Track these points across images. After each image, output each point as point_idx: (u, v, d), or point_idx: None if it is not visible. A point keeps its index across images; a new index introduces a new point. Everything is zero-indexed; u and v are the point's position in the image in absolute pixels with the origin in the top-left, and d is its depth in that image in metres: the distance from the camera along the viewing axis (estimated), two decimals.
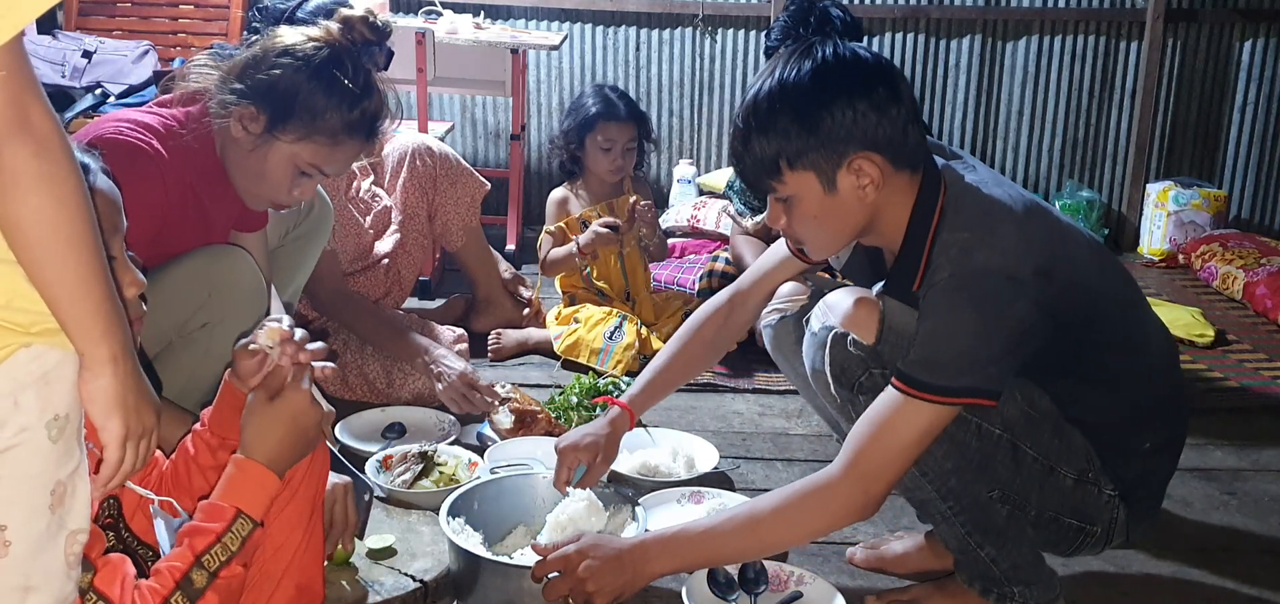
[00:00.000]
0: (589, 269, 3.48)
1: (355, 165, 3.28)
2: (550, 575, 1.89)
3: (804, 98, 1.78)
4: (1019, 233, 1.79)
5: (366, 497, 2.13)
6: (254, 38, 2.32)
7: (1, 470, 1.21)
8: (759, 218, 3.45)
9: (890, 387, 1.82)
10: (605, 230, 3.36)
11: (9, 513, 1.21)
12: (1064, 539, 2.00)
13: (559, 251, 3.46)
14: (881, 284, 2.03)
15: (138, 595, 1.40)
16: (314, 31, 2.25)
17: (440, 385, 2.86)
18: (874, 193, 1.82)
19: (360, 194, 3.31)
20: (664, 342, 3.34)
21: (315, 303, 3.04)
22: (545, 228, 3.54)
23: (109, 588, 1.38)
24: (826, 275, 2.16)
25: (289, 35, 2.25)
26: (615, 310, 3.37)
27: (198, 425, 1.71)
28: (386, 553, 2.16)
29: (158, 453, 1.75)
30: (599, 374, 3.08)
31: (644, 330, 3.34)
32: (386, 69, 2.31)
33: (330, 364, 1.71)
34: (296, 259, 2.76)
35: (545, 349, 3.39)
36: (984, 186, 1.86)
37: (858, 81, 1.79)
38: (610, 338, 3.25)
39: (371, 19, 2.31)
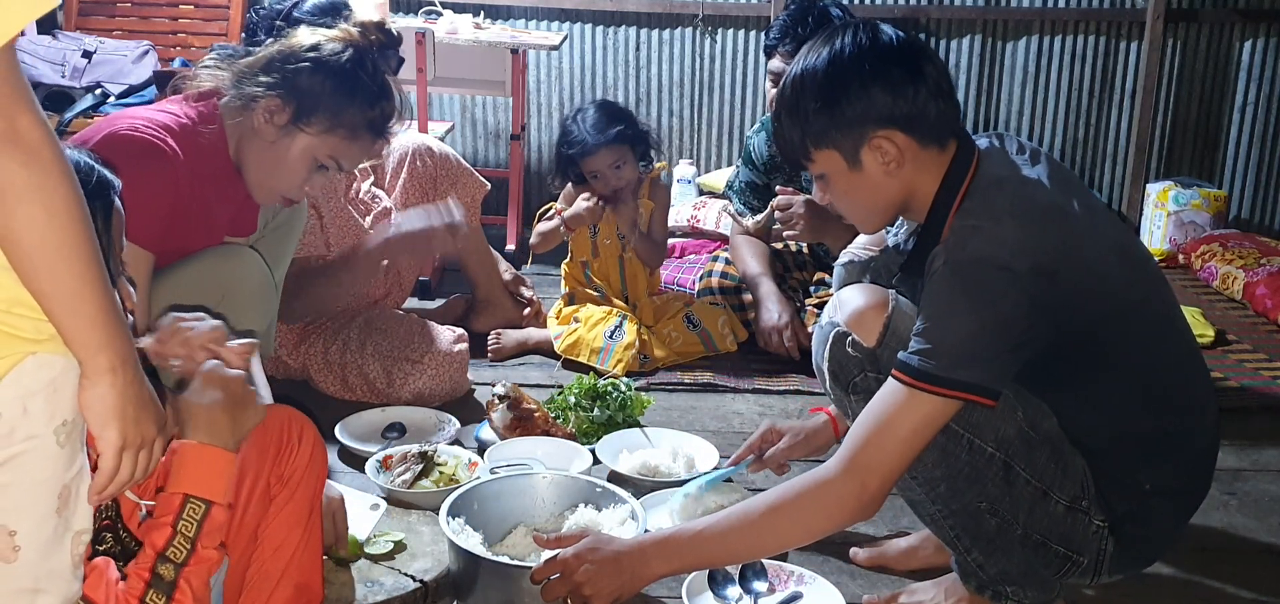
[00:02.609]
0: (588, 267, 3.47)
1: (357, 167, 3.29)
2: (550, 577, 1.89)
3: (822, 83, 1.85)
4: (1023, 228, 1.78)
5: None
6: (269, 40, 2.41)
7: (10, 476, 1.21)
8: (759, 217, 3.45)
9: (890, 378, 1.82)
10: (588, 203, 3.33)
11: (19, 518, 1.22)
12: (1050, 564, 1.97)
13: (544, 226, 3.44)
14: (898, 272, 2.04)
15: (118, 599, 1.40)
16: (336, 33, 2.35)
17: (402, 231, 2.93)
18: (899, 168, 1.86)
19: (360, 195, 3.32)
20: (663, 342, 3.35)
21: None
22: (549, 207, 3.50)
23: (94, 593, 1.38)
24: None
25: (311, 35, 2.34)
26: (615, 309, 3.37)
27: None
28: (399, 548, 2.17)
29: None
30: (599, 374, 3.08)
31: (644, 331, 3.33)
32: (397, 73, 2.44)
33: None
34: (278, 248, 2.77)
35: (545, 349, 3.39)
36: (1015, 178, 1.85)
37: (873, 63, 1.83)
38: (611, 337, 3.25)
39: (385, 25, 2.44)
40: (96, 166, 1.47)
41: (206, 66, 2.38)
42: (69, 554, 1.28)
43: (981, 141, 1.93)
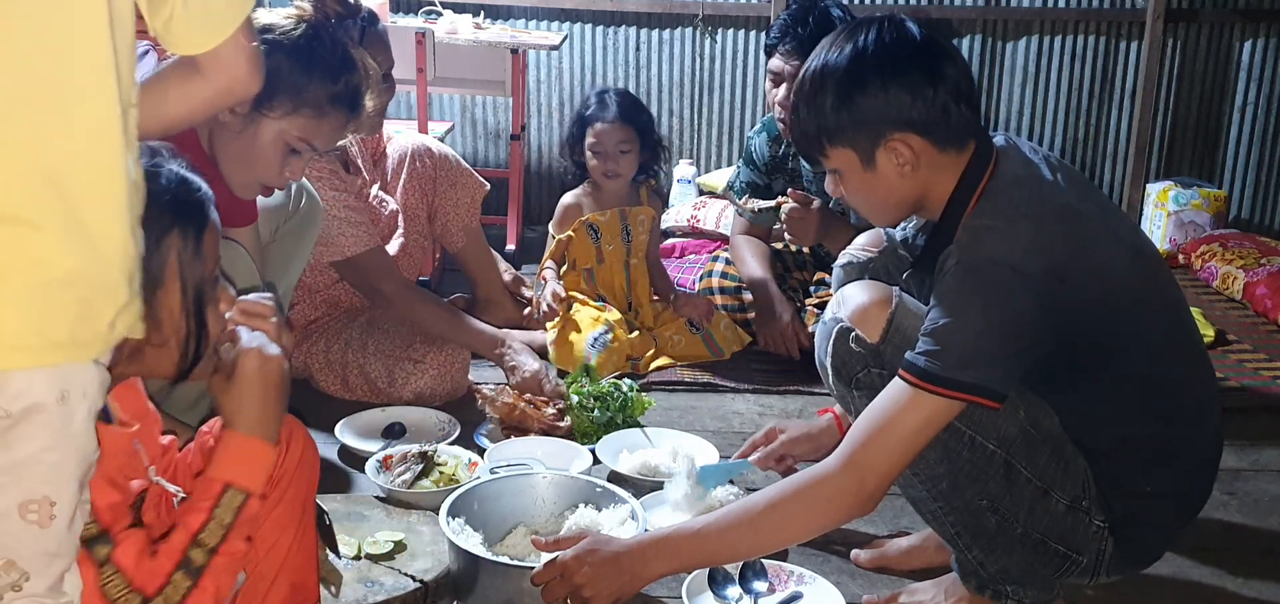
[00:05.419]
0: (593, 275, 3.44)
1: (364, 171, 3.28)
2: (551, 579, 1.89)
3: (840, 81, 1.84)
4: (1037, 229, 1.78)
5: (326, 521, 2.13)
6: None
7: (64, 451, 1.30)
8: (765, 205, 3.40)
9: (896, 377, 1.81)
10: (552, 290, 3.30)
11: (61, 489, 1.30)
12: (1049, 563, 1.97)
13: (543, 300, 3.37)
14: (909, 268, 2.03)
15: (146, 572, 1.44)
16: (289, 10, 2.31)
17: (513, 379, 2.93)
18: (914, 172, 1.85)
19: (370, 200, 3.31)
20: (666, 345, 3.34)
21: (378, 300, 3.05)
22: (552, 233, 3.48)
23: (126, 560, 1.43)
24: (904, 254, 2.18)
25: (265, 16, 2.29)
26: (603, 316, 3.29)
27: (208, 436, 1.70)
28: (399, 548, 2.17)
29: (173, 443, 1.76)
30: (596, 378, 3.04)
31: (635, 335, 3.31)
32: (362, 43, 2.39)
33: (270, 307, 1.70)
34: (290, 252, 2.77)
35: None
36: (1033, 177, 1.85)
37: (894, 65, 1.82)
38: (593, 345, 3.19)
39: None
40: (191, 178, 1.51)
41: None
42: (81, 525, 1.36)
43: (999, 140, 1.92)
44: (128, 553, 1.44)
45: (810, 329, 3.29)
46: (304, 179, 2.69)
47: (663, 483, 2.50)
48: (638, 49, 4.91)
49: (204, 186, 1.52)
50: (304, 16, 2.31)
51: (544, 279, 3.36)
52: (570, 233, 3.41)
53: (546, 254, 3.45)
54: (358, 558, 2.12)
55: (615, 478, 2.52)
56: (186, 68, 1.52)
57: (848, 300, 2.02)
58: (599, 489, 2.27)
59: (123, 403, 1.57)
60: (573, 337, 3.24)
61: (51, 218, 1.25)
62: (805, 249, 3.60)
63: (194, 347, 1.50)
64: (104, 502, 1.43)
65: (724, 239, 4.02)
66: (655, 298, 3.50)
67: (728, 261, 3.60)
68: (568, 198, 3.48)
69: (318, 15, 2.31)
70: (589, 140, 3.36)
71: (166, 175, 1.47)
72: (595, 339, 3.19)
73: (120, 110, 1.29)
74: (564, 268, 3.45)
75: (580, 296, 3.40)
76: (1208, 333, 3.66)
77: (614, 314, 3.30)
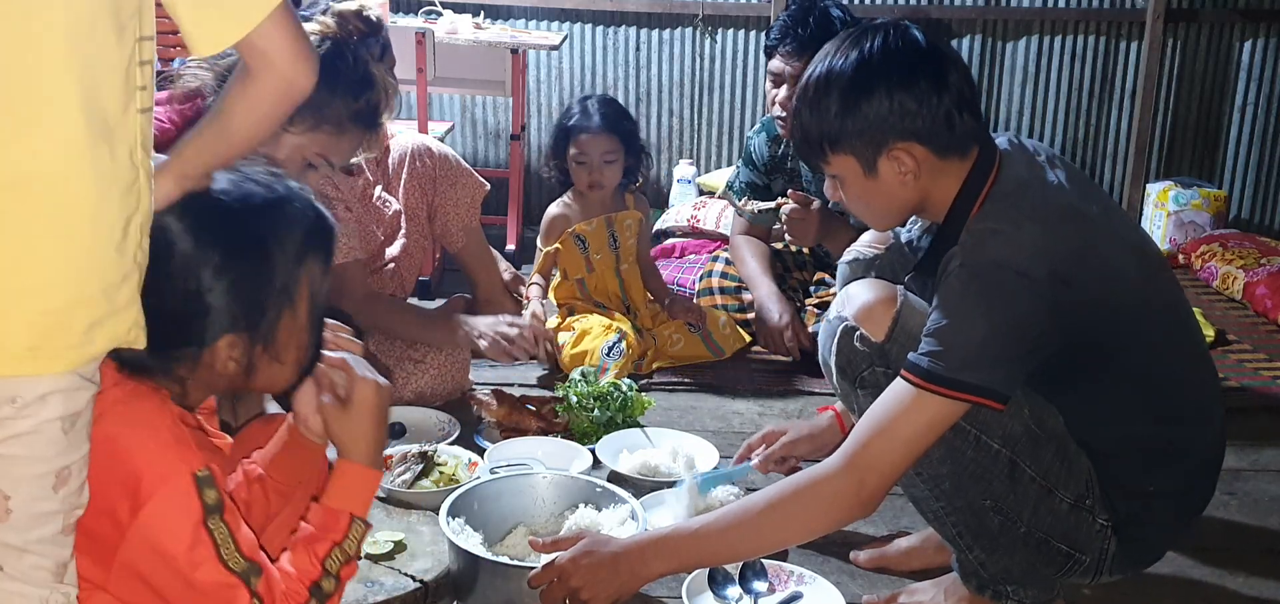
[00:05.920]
0: (584, 284, 3.43)
1: (367, 172, 3.28)
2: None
3: (845, 87, 1.83)
4: (1043, 232, 1.77)
5: None
6: None
7: (17, 450, 1.32)
8: (766, 205, 3.41)
9: (898, 378, 1.81)
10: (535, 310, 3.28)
11: (16, 486, 1.33)
12: (1052, 563, 1.96)
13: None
14: (912, 270, 2.03)
15: (282, 599, 1.49)
16: (312, 27, 2.29)
17: (484, 343, 2.95)
18: (916, 180, 1.84)
19: (374, 201, 3.31)
20: (666, 345, 3.34)
21: (338, 314, 3.04)
22: (540, 246, 3.45)
23: (262, 588, 1.47)
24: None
25: None
26: (614, 323, 3.28)
27: (255, 466, 1.71)
28: (399, 548, 2.17)
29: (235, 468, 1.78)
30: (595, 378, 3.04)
31: (648, 335, 3.31)
32: (382, 60, 2.39)
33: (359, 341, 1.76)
34: None
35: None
36: (1037, 180, 1.84)
37: (900, 73, 1.81)
38: (608, 354, 3.20)
39: (364, 12, 2.37)
40: (320, 205, 1.57)
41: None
42: (62, 525, 1.38)
43: (1001, 141, 1.91)
44: (262, 582, 1.47)
45: (810, 329, 3.29)
46: None
47: (663, 484, 2.50)
48: (638, 49, 4.91)
49: (328, 213, 1.58)
50: (327, 33, 2.30)
51: (529, 298, 3.34)
52: (558, 245, 3.38)
53: (535, 267, 3.43)
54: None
55: (615, 478, 2.52)
56: (241, 76, 1.46)
57: (852, 299, 2.01)
58: (599, 489, 2.27)
59: (202, 415, 1.60)
60: (586, 345, 3.22)
61: (7, 229, 1.24)
62: (805, 249, 3.60)
63: (308, 363, 1.58)
64: (240, 528, 1.48)
65: (724, 239, 4.02)
66: (651, 299, 3.50)
67: (728, 261, 3.60)
68: (553, 209, 3.42)
69: (341, 33, 2.31)
70: (573, 151, 3.32)
71: (301, 202, 1.53)
72: (610, 348, 3.18)
73: (86, 119, 1.26)
74: (556, 279, 3.43)
75: (578, 305, 3.40)
76: (1208, 333, 3.65)
77: (624, 322, 3.29)
